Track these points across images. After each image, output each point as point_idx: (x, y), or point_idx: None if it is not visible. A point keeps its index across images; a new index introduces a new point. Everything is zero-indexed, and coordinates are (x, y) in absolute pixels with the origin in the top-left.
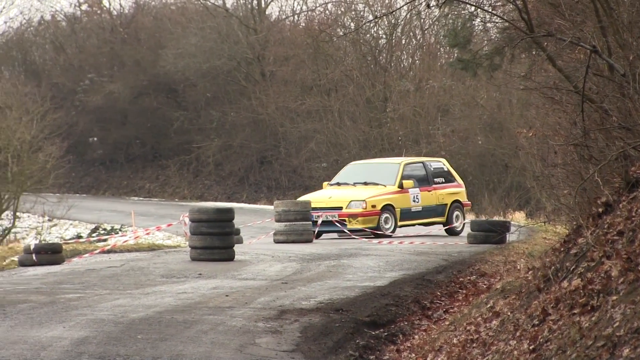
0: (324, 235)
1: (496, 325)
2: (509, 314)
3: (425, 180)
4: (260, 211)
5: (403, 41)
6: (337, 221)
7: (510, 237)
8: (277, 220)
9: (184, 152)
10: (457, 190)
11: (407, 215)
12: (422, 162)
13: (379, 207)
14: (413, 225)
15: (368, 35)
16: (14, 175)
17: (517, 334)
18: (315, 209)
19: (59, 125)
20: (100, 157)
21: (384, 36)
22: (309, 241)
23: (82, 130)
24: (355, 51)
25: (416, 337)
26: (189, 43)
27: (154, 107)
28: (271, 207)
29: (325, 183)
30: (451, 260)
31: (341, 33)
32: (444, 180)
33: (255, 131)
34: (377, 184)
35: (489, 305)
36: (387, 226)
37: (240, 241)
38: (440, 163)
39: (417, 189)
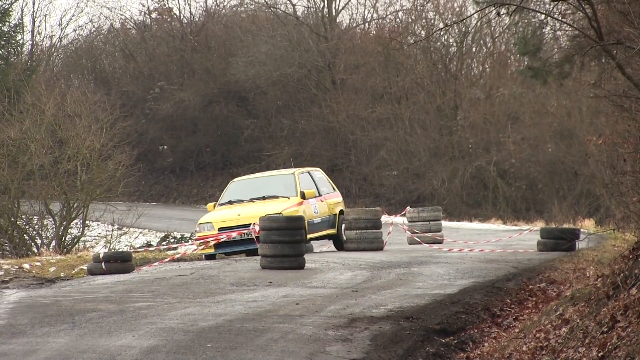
0: (393, 245)
1: (565, 332)
2: (578, 321)
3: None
4: None
5: (473, 49)
6: (250, 239)
7: (580, 244)
8: (348, 229)
9: (254, 160)
10: (340, 199)
11: (312, 227)
12: (308, 172)
13: None
14: (317, 239)
15: (439, 43)
16: (83, 184)
17: (586, 341)
18: (222, 229)
19: (129, 133)
20: (170, 165)
21: (455, 44)
22: (380, 249)
23: (152, 139)
24: (426, 59)
25: (486, 344)
26: (259, 51)
27: (224, 115)
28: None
29: (210, 204)
30: (521, 267)
31: (412, 41)
32: (327, 190)
33: (326, 139)
34: (278, 197)
35: (558, 313)
36: None
37: (310, 249)
38: (320, 172)
39: (315, 199)
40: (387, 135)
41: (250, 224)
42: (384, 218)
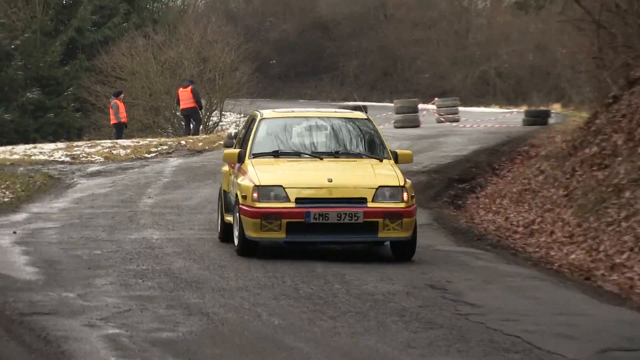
0: (426, 124)
1: (542, 179)
2: (550, 171)
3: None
4: (385, 107)
5: None
6: (361, 224)
7: (551, 120)
8: (397, 112)
9: (333, 69)
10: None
11: None
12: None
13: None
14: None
15: None
16: (220, 87)
17: (556, 184)
18: (303, 200)
19: (249, 53)
20: (277, 74)
21: None
22: (417, 126)
23: (265, 56)
24: None
25: (488, 188)
26: None
27: (312, 39)
28: (392, 105)
29: (230, 150)
30: (512, 136)
31: None
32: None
33: (382, 54)
34: (361, 156)
35: (537, 166)
36: None
37: None
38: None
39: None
40: (422, 51)
41: (364, 198)
42: (420, 106)
